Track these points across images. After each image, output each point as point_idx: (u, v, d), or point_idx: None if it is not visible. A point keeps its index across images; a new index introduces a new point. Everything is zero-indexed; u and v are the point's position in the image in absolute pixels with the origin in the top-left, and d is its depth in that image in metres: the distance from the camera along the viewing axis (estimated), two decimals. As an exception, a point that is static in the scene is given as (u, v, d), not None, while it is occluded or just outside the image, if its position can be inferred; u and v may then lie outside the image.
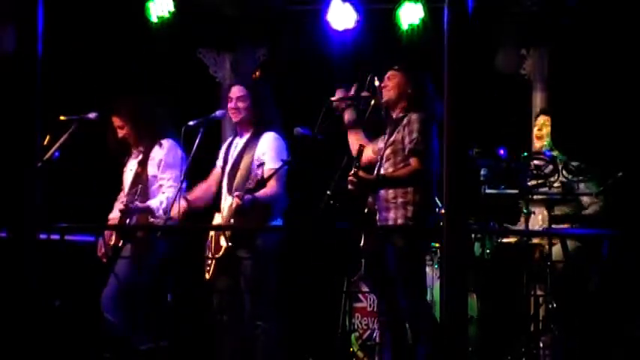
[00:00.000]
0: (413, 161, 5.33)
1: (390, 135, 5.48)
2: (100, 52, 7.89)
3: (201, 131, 6.04)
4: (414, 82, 5.51)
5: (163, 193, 5.99)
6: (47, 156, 5.85)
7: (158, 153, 6.10)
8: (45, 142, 5.83)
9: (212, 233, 5.88)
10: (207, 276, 5.86)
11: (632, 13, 7.25)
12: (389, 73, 5.55)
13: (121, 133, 6.17)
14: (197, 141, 6.09)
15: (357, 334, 6.78)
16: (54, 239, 5.34)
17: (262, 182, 5.57)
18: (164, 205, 5.93)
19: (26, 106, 3.07)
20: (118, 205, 6.05)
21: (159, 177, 6.05)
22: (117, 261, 5.92)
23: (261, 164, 5.63)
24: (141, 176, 6.06)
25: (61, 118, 6.01)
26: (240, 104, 5.96)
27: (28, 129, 3.07)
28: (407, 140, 5.36)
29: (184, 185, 5.98)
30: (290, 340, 6.30)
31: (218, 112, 6.06)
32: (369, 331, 6.73)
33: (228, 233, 5.76)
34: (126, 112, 6.14)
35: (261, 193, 5.68)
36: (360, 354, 6.69)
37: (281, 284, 6.02)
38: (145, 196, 6.01)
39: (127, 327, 5.86)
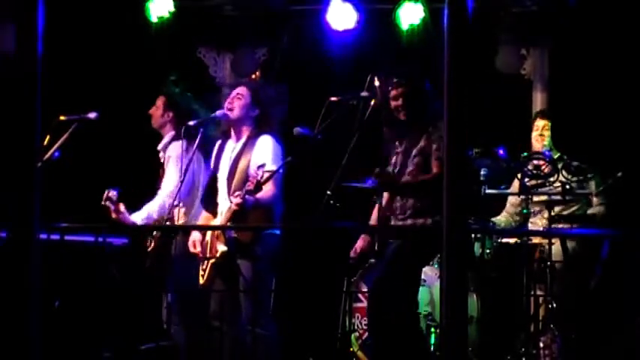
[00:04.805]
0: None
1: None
2: (100, 51, 7.89)
3: (201, 131, 6.04)
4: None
5: None
6: (47, 156, 5.85)
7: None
8: (45, 142, 5.83)
9: (207, 237, 5.88)
10: (201, 280, 5.86)
11: (632, 13, 7.25)
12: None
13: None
14: (197, 141, 6.10)
15: (357, 334, 6.77)
16: (54, 239, 5.34)
17: (261, 184, 5.57)
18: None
19: (26, 106, 3.06)
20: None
21: None
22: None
23: (262, 165, 5.61)
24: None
25: (61, 118, 6.01)
26: (236, 102, 5.96)
27: (28, 129, 3.07)
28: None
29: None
30: (290, 340, 6.30)
31: (218, 112, 6.05)
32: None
33: (225, 237, 5.76)
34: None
35: (262, 195, 5.67)
36: (360, 354, 6.69)
37: (281, 285, 6.03)
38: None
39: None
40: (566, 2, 7.54)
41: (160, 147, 6.33)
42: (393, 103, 5.53)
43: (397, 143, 5.64)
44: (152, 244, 6.12)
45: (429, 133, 5.43)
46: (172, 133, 6.27)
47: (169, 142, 6.26)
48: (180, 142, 6.00)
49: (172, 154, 6.14)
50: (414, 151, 5.49)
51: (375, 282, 5.56)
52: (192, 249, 5.88)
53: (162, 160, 6.29)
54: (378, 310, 5.43)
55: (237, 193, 5.67)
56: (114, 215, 6.05)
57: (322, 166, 5.72)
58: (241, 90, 6.01)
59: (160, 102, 6.39)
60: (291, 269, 6.46)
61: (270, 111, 5.99)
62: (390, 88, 5.54)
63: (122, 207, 6.05)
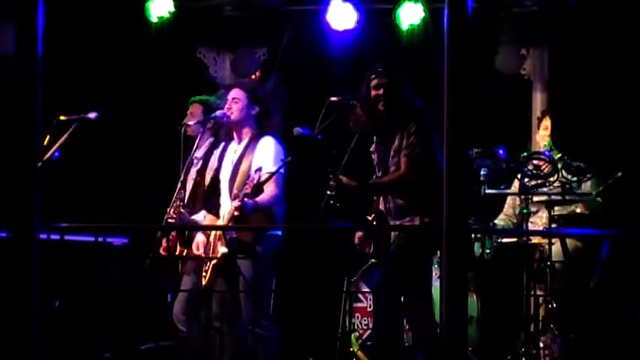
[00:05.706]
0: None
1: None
2: (100, 51, 7.89)
3: (201, 131, 6.05)
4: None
5: None
6: (47, 156, 5.85)
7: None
8: (45, 142, 5.83)
9: (211, 238, 5.88)
10: (203, 281, 5.85)
11: (632, 12, 7.25)
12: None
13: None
14: (197, 141, 6.11)
15: (357, 334, 6.77)
16: (54, 239, 5.34)
17: (259, 187, 5.56)
18: None
19: (26, 106, 3.06)
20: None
21: None
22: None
23: (259, 169, 5.61)
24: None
25: (61, 118, 6.01)
26: (234, 106, 5.95)
27: (28, 129, 3.07)
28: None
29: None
30: (290, 341, 6.30)
31: (218, 112, 6.05)
32: (369, 331, 6.72)
33: (226, 238, 5.75)
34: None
35: (262, 197, 5.67)
36: (360, 354, 6.69)
37: (281, 285, 6.03)
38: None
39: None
40: (566, 2, 7.54)
41: (199, 155, 6.27)
42: (373, 92, 5.46)
43: (374, 145, 5.58)
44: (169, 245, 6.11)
45: (406, 131, 5.35)
46: (212, 139, 6.25)
47: (211, 149, 6.23)
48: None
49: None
50: (392, 152, 5.40)
51: (378, 283, 5.52)
52: (195, 250, 5.89)
53: (197, 167, 6.24)
54: (380, 311, 5.41)
55: (237, 197, 5.68)
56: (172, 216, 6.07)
57: (322, 166, 5.72)
58: (236, 93, 6.00)
59: (197, 109, 6.37)
60: (291, 269, 6.46)
61: (270, 106, 5.98)
62: (372, 77, 5.48)
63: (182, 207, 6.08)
